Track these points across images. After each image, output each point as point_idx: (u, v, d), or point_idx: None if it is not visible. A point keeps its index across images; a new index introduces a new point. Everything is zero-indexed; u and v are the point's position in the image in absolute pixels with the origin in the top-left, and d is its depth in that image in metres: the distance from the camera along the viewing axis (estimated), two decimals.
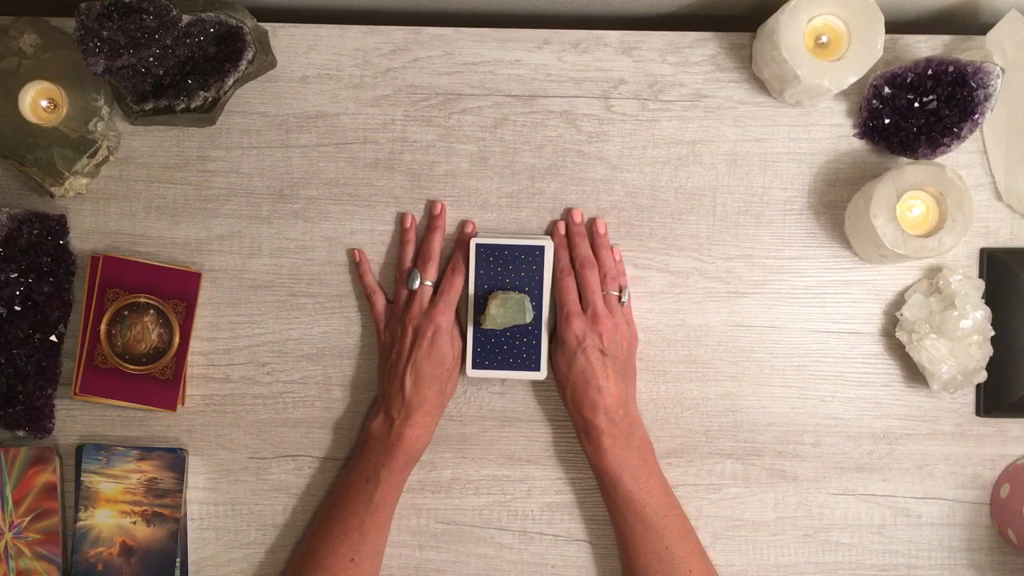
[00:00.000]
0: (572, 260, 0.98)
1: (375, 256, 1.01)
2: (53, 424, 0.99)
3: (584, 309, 0.96)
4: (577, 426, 0.96)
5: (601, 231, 1.00)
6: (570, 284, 0.96)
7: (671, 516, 0.94)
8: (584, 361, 0.94)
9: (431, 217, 1.00)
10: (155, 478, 0.97)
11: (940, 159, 0.99)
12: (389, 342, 0.97)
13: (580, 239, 0.99)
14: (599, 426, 0.93)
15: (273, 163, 1.01)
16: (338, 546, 0.94)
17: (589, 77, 1.01)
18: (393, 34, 1.01)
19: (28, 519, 0.97)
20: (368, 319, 1.01)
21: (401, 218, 1.00)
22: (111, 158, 1.00)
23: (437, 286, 0.98)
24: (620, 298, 0.98)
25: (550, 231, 1.01)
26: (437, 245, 0.99)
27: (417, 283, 0.97)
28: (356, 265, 1.00)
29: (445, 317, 0.95)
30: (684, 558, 0.93)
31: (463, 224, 1.00)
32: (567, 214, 1.00)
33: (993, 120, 0.99)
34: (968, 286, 0.97)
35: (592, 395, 0.93)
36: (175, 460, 0.98)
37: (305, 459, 1.01)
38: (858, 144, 1.01)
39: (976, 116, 0.95)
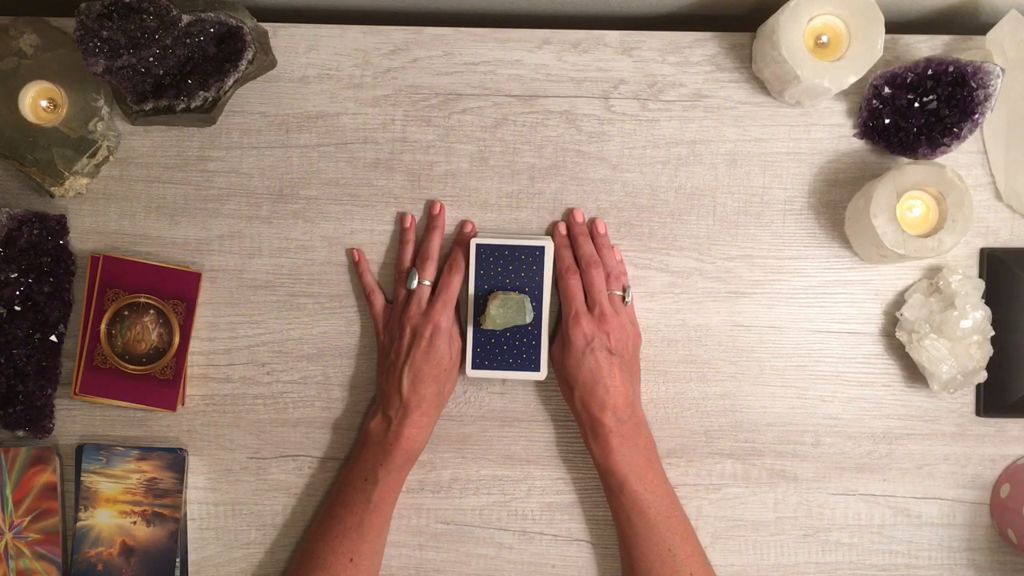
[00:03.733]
0: (576, 260, 0.98)
1: (375, 256, 1.01)
2: (53, 424, 0.99)
3: (590, 308, 0.96)
4: (584, 425, 0.96)
5: (601, 231, 1.00)
6: (576, 283, 0.96)
7: (674, 517, 0.94)
8: (593, 361, 0.93)
9: (430, 217, 1.00)
10: (155, 478, 0.97)
11: (940, 159, 0.99)
12: (388, 342, 0.97)
13: (583, 239, 0.99)
14: (607, 425, 0.93)
15: (273, 163, 1.01)
16: (337, 546, 0.94)
17: (589, 77, 1.01)
18: (393, 34, 1.01)
19: (28, 519, 0.97)
20: (368, 319, 1.01)
21: (401, 218, 1.00)
22: (111, 158, 1.00)
23: (436, 286, 0.98)
24: (624, 297, 0.98)
25: (550, 232, 1.01)
26: (436, 245, 0.99)
27: (415, 283, 0.97)
28: (355, 265, 1.00)
29: (443, 317, 0.95)
30: (686, 560, 0.93)
31: (462, 224, 1.00)
32: (568, 214, 1.00)
33: (993, 120, 0.99)
34: (968, 286, 0.97)
35: (600, 394, 0.93)
36: (175, 460, 0.98)
37: (305, 459, 1.01)
38: (858, 144, 1.01)
39: (976, 116, 0.95)
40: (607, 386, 0.93)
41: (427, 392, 0.94)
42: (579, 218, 1.00)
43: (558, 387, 1.00)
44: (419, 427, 0.95)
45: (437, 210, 1.00)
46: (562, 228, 0.99)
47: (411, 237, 1.00)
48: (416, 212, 1.01)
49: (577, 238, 0.99)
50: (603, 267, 0.98)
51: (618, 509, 0.95)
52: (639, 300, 1.01)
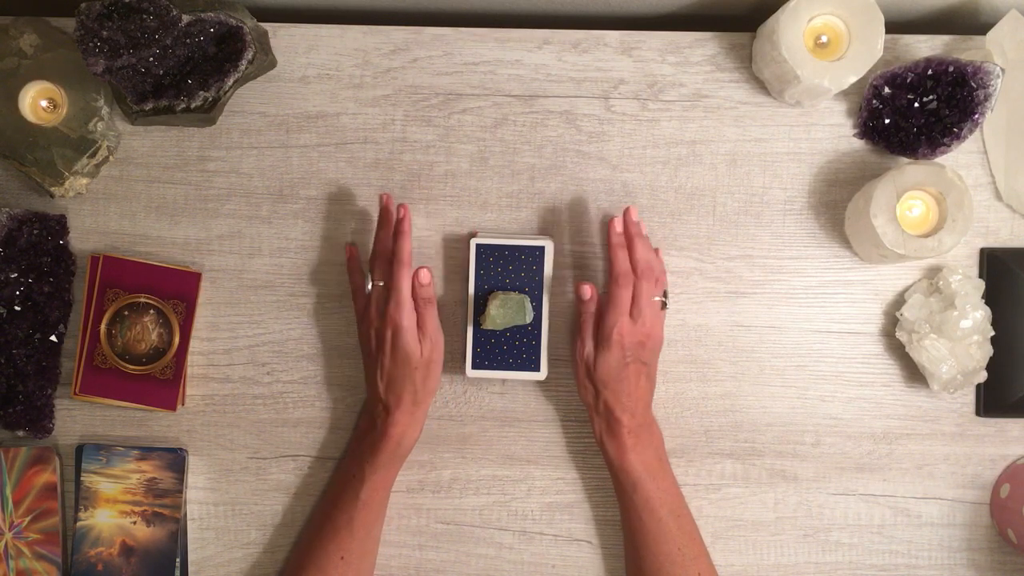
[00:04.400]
0: (632, 264, 0.93)
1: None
2: (53, 424, 0.99)
3: (634, 317, 0.92)
4: (601, 423, 0.95)
5: (644, 232, 0.97)
6: (627, 294, 0.92)
7: (684, 517, 0.94)
8: (627, 372, 0.92)
9: (380, 211, 0.97)
10: (155, 478, 0.97)
11: (940, 159, 0.99)
12: (363, 345, 0.97)
13: (640, 240, 0.94)
14: (625, 424, 0.93)
15: (273, 163, 1.01)
16: (327, 544, 0.93)
17: (589, 77, 1.01)
18: (393, 34, 1.01)
19: (28, 519, 0.97)
20: None
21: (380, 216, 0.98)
22: (111, 158, 1.00)
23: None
24: (664, 303, 0.96)
25: (605, 228, 0.97)
26: (384, 242, 0.95)
27: (370, 285, 0.95)
28: (347, 261, 1.00)
29: (401, 316, 0.91)
30: (694, 559, 0.93)
31: (396, 209, 0.95)
32: (625, 213, 0.95)
33: (993, 120, 0.99)
34: (968, 286, 0.97)
35: (624, 400, 0.93)
36: (175, 460, 0.98)
37: (305, 459, 1.01)
38: (858, 144, 1.01)
39: (976, 116, 0.95)
40: (630, 391, 0.93)
41: (403, 392, 0.93)
42: (635, 216, 0.96)
43: (559, 387, 1.00)
44: (403, 424, 0.94)
45: (385, 201, 0.96)
46: (618, 225, 0.94)
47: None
48: (416, 213, 1.00)
49: (634, 239, 0.94)
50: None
51: (629, 508, 0.95)
52: None
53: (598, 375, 0.94)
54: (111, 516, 0.97)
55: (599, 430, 0.96)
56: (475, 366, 0.97)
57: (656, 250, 0.98)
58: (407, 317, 0.92)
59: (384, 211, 0.96)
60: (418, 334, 0.93)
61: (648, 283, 0.93)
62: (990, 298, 0.99)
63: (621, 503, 0.96)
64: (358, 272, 0.99)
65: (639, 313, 0.93)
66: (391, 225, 0.95)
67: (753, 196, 1.01)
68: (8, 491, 0.97)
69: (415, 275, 0.93)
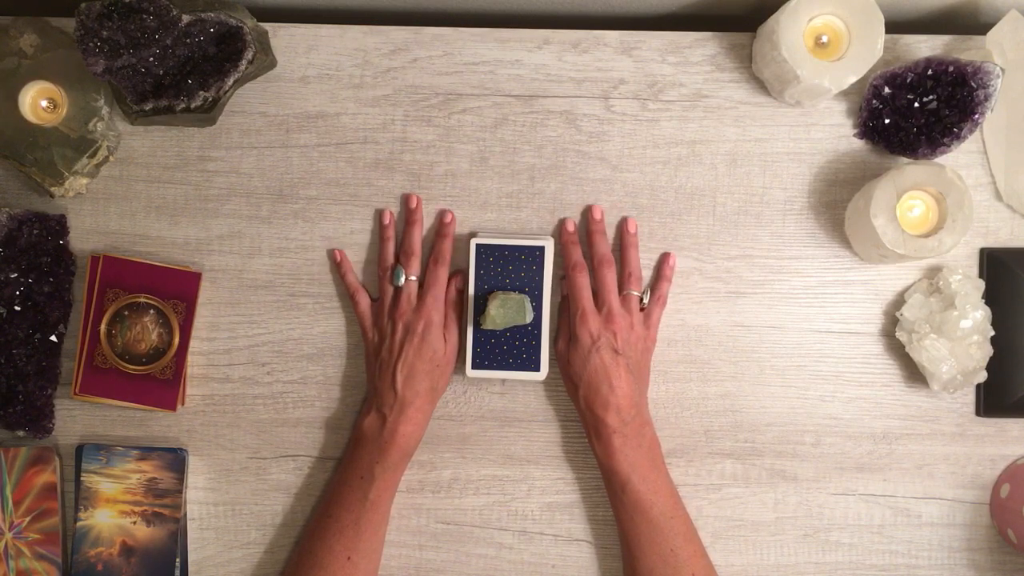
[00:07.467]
0: (591, 257, 0.98)
1: (372, 255, 1.01)
2: (53, 424, 0.99)
3: (599, 308, 0.96)
4: (587, 425, 0.96)
5: (631, 230, 0.99)
6: (583, 281, 0.96)
7: (677, 517, 0.94)
8: (598, 360, 0.93)
9: (408, 211, 1.00)
10: (155, 478, 0.97)
11: (940, 159, 0.99)
12: (377, 340, 0.97)
13: (599, 236, 0.99)
14: (610, 425, 0.93)
15: (273, 163, 1.01)
16: (335, 544, 0.93)
17: (589, 77, 1.01)
18: (393, 34, 1.01)
19: (28, 519, 0.97)
20: None
21: (379, 215, 1.00)
22: (111, 158, 1.00)
23: (424, 280, 0.98)
24: (642, 300, 0.98)
25: (559, 228, 1.00)
26: (418, 239, 0.99)
27: (403, 279, 0.97)
28: (337, 265, 1.00)
29: (435, 311, 0.95)
30: (688, 560, 0.93)
31: (441, 214, 1.00)
32: (587, 210, 1.00)
33: (993, 120, 0.99)
34: (968, 286, 0.97)
35: (604, 394, 0.93)
36: (175, 460, 0.98)
37: (305, 459, 1.01)
38: (858, 144, 1.01)
39: (976, 116, 0.95)
40: (612, 386, 0.93)
41: (421, 388, 0.94)
42: (597, 215, 1.00)
43: (559, 387, 1.00)
44: (414, 423, 0.95)
45: (414, 204, 0.99)
46: (570, 225, 0.99)
47: (391, 234, 0.99)
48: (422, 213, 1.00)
49: (593, 235, 0.99)
50: (626, 266, 0.98)
51: (620, 509, 0.95)
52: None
53: (573, 368, 0.95)
54: (111, 516, 0.97)
55: (587, 431, 0.96)
56: (475, 366, 0.97)
57: (668, 255, 1.00)
58: (440, 313, 0.96)
59: (413, 212, 0.99)
60: (443, 333, 0.95)
61: (608, 273, 0.97)
62: (990, 298, 0.99)
63: (612, 504, 0.96)
64: (351, 273, 1.00)
65: (603, 303, 0.96)
66: (420, 224, 0.99)
67: (753, 196, 1.01)
68: (8, 491, 0.97)
69: (452, 278, 0.98)
